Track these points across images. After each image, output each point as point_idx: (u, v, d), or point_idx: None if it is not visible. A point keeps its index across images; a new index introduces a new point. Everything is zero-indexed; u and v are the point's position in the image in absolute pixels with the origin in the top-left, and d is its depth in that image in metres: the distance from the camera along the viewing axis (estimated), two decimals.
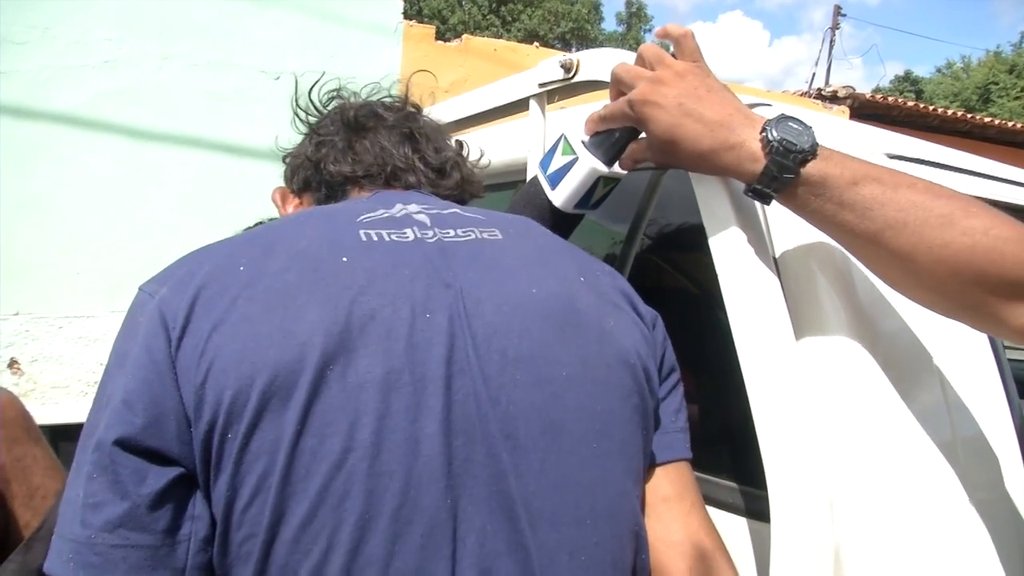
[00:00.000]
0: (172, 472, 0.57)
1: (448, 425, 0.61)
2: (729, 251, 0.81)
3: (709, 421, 1.02)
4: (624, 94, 0.83)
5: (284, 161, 0.97)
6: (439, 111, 1.28)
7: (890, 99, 8.00)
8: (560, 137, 0.90)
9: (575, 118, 0.92)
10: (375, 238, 0.69)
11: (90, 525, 0.56)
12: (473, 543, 0.60)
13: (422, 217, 0.74)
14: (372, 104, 0.93)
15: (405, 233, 0.71)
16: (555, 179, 0.89)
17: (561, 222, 0.90)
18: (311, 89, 0.98)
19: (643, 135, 0.85)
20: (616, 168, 0.89)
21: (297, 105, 0.96)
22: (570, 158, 0.88)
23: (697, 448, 0.80)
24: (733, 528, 0.86)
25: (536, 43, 5.59)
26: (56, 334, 3.43)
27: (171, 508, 0.57)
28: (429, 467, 0.60)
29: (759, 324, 0.78)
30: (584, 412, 0.68)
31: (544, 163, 0.91)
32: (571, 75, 1.05)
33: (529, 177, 0.99)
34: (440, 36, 4.65)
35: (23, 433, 1.25)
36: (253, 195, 3.78)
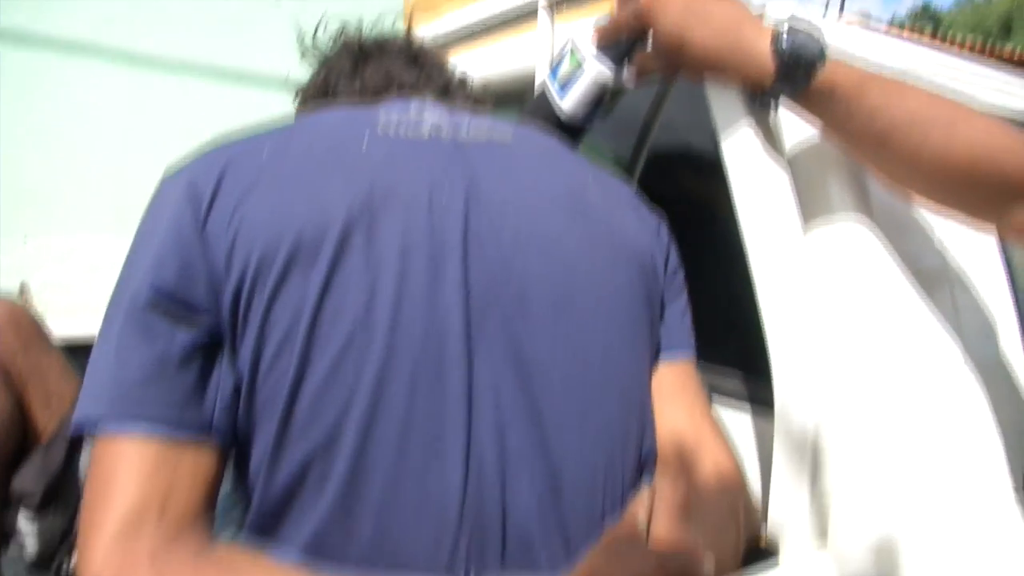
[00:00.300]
0: (201, 330, 0.59)
1: (465, 290, 0.63)
2: (740, 147, 0.82)
3: (717, 314, 1.03)
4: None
5: (296, 98, 1.00)
6: (446, 22, 1.27)
7: (904, 32, 7.80)
8: (567, 45, 0.89)
9: (583, 28, 0.91)
10: (391, 134, 0.72)
11: (123, 369, 0.57)
12: (488, 401, 0.62)
13: (436, 120, 0.77)
14: (376, 35, 0.96)
15: (421, 131, 0.73)
16: (563, 89, 0.89)
17: (568, 132, 0.90)
18: (316, 28, 1.01)
19: (650, 44, 0.84)
20: (624, 77, 0.88)
21: (304, 43, 1.00)
22: (577, 67, 0.87)
23: (705, 340, 0.82)
24: (737, 417, 0.88)
25: None
26: (65, 260, 3.44)
27: (199, 364, 0.59)
28: (447, 327, 0.62)
29: (768, 218, 0.78)
30: (594, 290, 0.70)
31: (552, 73, 0.91)
32: None
33: (537, 87, 0.98)
34: None
35: (37, 339, 1.28)
36: (256, 121, 3.74)
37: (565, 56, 0.89)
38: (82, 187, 3.41)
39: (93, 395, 0.58)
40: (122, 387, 0.56)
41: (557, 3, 1.11)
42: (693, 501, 0.64)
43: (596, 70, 0.86)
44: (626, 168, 1.27)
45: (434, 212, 0.65)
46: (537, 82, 1.11)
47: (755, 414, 0.90)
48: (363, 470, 0.59)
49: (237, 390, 0.60)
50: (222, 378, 0.60)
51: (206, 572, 0.53)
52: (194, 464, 0.58)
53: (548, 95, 0.90)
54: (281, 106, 3.49)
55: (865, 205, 0.83)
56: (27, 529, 1.26)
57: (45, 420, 1.26)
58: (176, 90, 3.56)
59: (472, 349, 0.63)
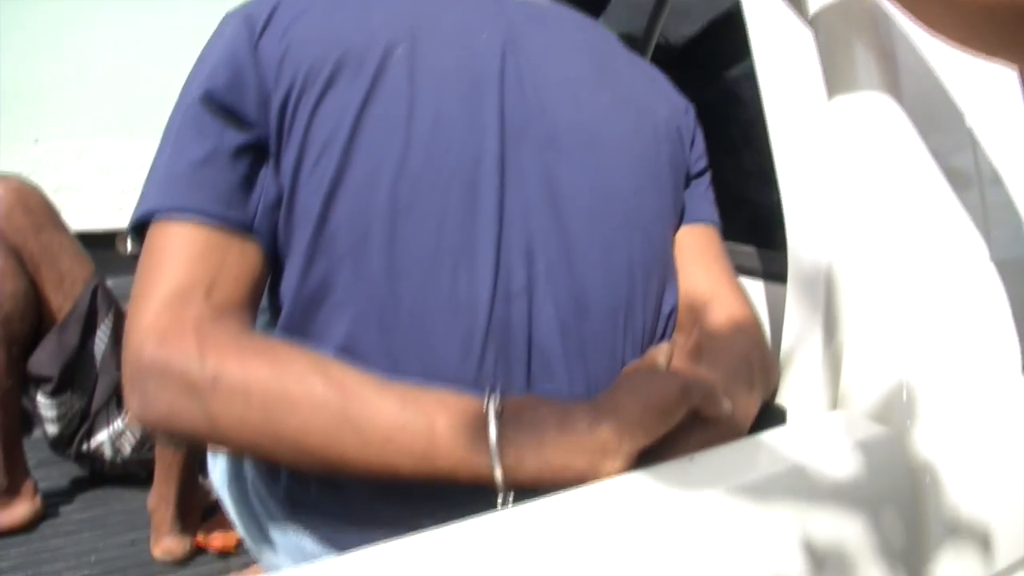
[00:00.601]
0: (250, 135, 0.61)
1: (501, 118, 0.65)
2: (761, 8, 0.77)
3: (734, 190, 1.01)
4: None
5: None
6: None
7: None
8: None
9: None
10: None
11: (177, 163, 0.59)
12: (519, 223, 0.64)
13: None
14: None
15: None
16: None
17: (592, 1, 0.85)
18: None
19: None
20: None
21: None
22: None
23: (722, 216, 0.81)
24: (753, 292, 0.86)
25: None
26: (77, 162, 3.43)
27: (246, 164, 0.61)
28: (483, 148, 0.63)
29: (789, 82, 0.75)
30: (620, 142, 0.71)
31: None
32: None
33: None
34: None
35: (48, 220, 1.27)
36: None
37: None
38: (92, 88, 3.36)
39: (149, 188, 0.60)
40: (175, 177, 0.59)
41: None
42: (708, 347, 0.65)
43: None
44: (639, 45, 1.23)
45: (475, 45, 0.67)
46: None
47: (770, 288, 0.88)
48: (395, 275, 0.60)
49: (278, 199, 0.62)
50: (266, 184, 0.61)
51: (246, 347, 0.54)
52: (240, 255, 0.59)
53: None
54: None
55: (895, 86, 0.79)
56: (46, 411, 1.29)
57: (59, 301, 1.26)
58: None
59: (505, 172, 0.64)
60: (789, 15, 0.77)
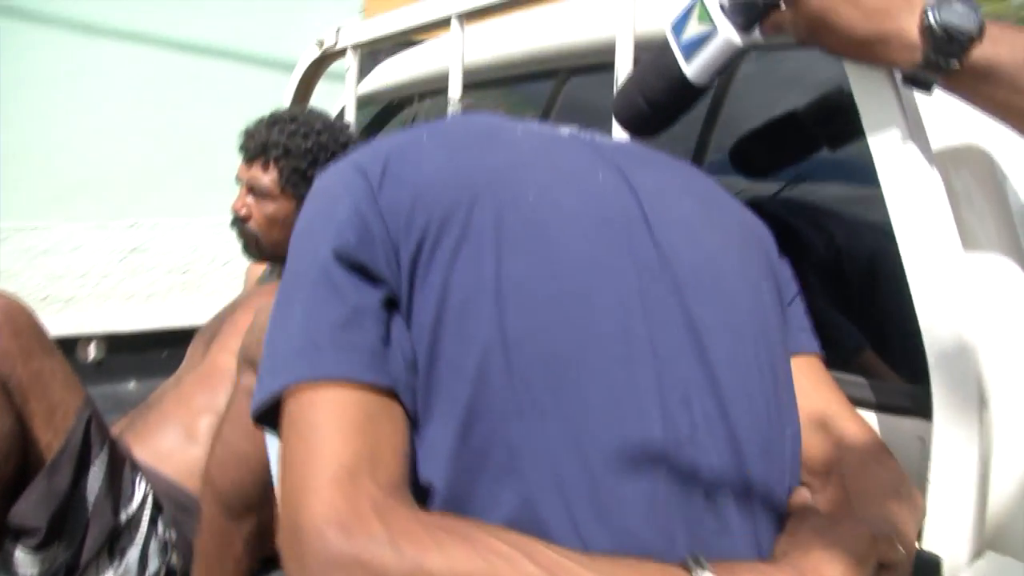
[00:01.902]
0: (384, 290, 0.59)
1: (635, 259, 0.65)
2: (892, 149, 0.75)
3: (866, 324, 0.97)
4: None
5: None
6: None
7: None
8: (694, 2, 0.80)
9: None
10: (535, 129, 0.75)
11: (316, 327, 0.56)
12: (670, 363, 0.62)
13: (566, 127, 0.80)
14: None
15: (559, 131, 0.77)
16: (689, 49, 0.80)
17: (687, 97, 0.82)
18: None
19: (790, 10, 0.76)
20: (754, 35, 0.80)
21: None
22: (708, 28, 0.78)
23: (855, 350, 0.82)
24: (893, 426, 0.83)
25: None
26: (1, 246, 3.18)
27: (384, 322, 0.58)
28: (626, 289, 0.63)
29: (925, 231, 0.73)
30: (737, 276, 0.71)
31: (675, 29, 0.81)
32: None
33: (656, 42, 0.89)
34: None
35: (37, 344, 1.10)
36: (212, 95, 3.53)
37: (692, 12, 0.80)
38: (19, 167, 3.09)
39: (285, 356, 0.57)
40: (317, 342, 0.56)
41: None
42: (857, 487, 0.66)
43: (729, 34, 0.77)
44: (695, 148, 1.18)
45: (595, 186, 0.68)
46: (619, 53, 1.04)
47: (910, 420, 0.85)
48: (569, 431, 0.57)
49: (414, 356, 0.59)
50: (402, 342, 0.58)
51: (436, 530, 0.50)
52: (392, 422, 0.56)
53: (671, 56, 0.81)
54: (236, 81, 3.32)
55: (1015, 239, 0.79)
56: (26, 568, 1.09)
57: (48, 438, 1.09)
58: (125, 60, 3.29)
59: (651, 317, 0.63)
60: (919, 159, 0.75)
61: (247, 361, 1.03)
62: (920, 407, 0.78)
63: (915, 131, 0.74)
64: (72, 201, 3.27)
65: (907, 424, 0.81)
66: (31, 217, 3.22)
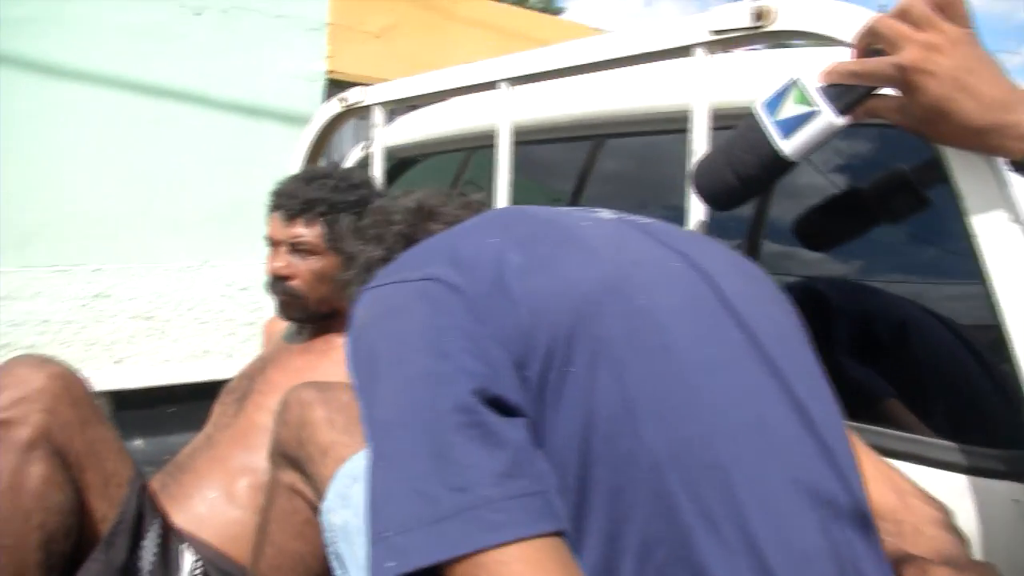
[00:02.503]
0: (523, 420, 0.56)
1: (732, 346, 0.65)
2: (1000, 241, 0.77)
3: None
4: (876, 51, 0.77)
5: (346, 292, 0.99)
6: (589, 47, 1.19)
7: None
8: (792, 83, 0.83)
9: (806, 64, 0.86)
10: (589, 215, 0.75)
11: (475, 487, 0.52)
12: (797, 445, 0.62)
13: (598, 211, 0.80)
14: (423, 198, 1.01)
15: (599, 215, 0.76)
16: (786, 128, 0.83)
17: (778, 171, 0.85)
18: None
19: (890, 92, 0.80)
20: (844, 121, 0.84)
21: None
22: (807, 109, 0.82)
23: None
24: (987, 489, 0.86)
25: None
26: None
27: (535, 455, 0.56)
28: (746, 380, 0.64)
29: None
30: (803, 348, 0.73)
31: (769, 107, 0.85)
32: (762, 24, 0.98)
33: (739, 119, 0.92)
34: None
35: (92, 412, 1.07)
36: (174, 139, 3.48)
37: (788, 92, 0.83)
38: None
39: (441, 521, 0.52)
40: (491, 497, 0.52)
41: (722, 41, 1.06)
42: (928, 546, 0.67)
43: (832, 117, 0.81)
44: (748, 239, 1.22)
45: (678, 276, 0.69)
46: (694, 119, 1.07)
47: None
48: (747, 540, 0.56)
49: (556, 484, 0.57)
50: (548, 468, 0.57)
51: None
52: (570, 557, 0.54)
53: (763, 130, 0.84)
54: (201, 125, 3.28)
55: None
56: None
57: (104, 509, 1.06)
58: (87, 102, 3.21)
59: (768, 401, 0.64)
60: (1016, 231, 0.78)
61: (282, 456, 1.02)
62: (1015, 471, 0.81)
63: (1018, 215, 0.77)
64: (32, 246, 3.16)
65: (1001, 487, 0.83)
66: None
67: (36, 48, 3.18)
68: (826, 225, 1.05)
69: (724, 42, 1.04)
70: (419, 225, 0.94)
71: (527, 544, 0.51)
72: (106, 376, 1.05)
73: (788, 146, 0.83)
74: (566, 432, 0.56)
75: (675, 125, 1.09)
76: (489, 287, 0.60)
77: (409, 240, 0.91)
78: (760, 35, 1.00)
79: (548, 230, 0.70)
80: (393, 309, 0.62)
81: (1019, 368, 0.75)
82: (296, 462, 0.99)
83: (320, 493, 0.95)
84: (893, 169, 0.98)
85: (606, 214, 0.77)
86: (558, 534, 0.53)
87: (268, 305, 1.48)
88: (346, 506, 0.89)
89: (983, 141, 0.74)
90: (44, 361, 1.06)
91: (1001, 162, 0.77)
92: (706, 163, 0.90)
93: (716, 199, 0.90)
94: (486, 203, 0.96)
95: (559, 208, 0.78)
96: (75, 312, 3.27)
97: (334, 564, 0.91)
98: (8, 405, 0.99)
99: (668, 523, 0.55)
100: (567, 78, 1.31)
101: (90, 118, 3.29)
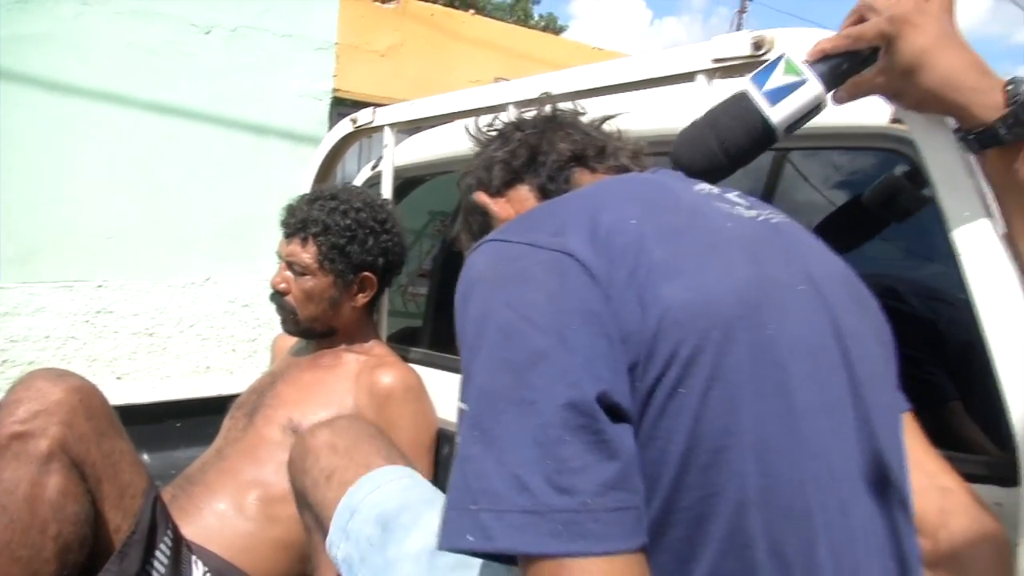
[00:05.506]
0: (631, 427, 0.55)
1: (838, 395, 0.65)
2: (971, 233, 0.82)
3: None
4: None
5: (461, 181, 0.97)
6: (593, 72, 1.22)
7: None
8: (780, 57, 0.86)
9: (794, 42, 0.91)
10: (731, 211, 0.72)
11: (579, 493, 0.51)
12: (867, 496, 0.64)
13: (731, 196, 0.77)
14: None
15: (737, 209, 0.74)
16: (774, 98, 0.85)
17: (763, 142, 0.86)
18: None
19: (874, 66, 0.84)
20: (832, 96, 0.87)
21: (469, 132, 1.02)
22: (795, 79, 0.84)
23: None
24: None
25: (471, 10, 5.47)
26: None
27: (637, 467, 0.54)
28: (843, 436, 0.63)
29: (1006, 301, 0.80)
30: (885, 377, 0.74)
31: (758, 79, 0.86)
32: (761, 52, 1.01)
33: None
34: None
35: (109, 425, 1.10)
36: (182, 157, 3.50)
37: (777, 65, 0.86)
38: None
39: (536, 516, 0.51)
40: (591, 516, 0.51)
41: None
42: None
43: (819, 87, 0.84)
44: None
45: (804, 307, 0.66)
46: None
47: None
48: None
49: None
50: (639, 479, 0.55)
51: None
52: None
53: (751, 101, 0.86)
54: (210, 140, 3.31)
55: None
56: None
57: (118, 521, 1.08)
58: (96, 120, 3.24)
59: (854, 459, 0.65)
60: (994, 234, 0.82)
61: (296, 494, 1.04)
62: (999, 475, 0.83)
63: (985, 204, 0.82)
64: (35, 261, 3.19)
65: (984, 491, 0.86)
66: None
67: (46, 64, 3.21)
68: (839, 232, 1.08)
69: (725, 69, 1.07)
70: (545, 135, 0.90)
71: (614, 558, 0.51)
72: (107, 392, 1.08)
73: (775, 114, 0.84)
74: (662, 451, 0.55)
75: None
76: (625, 279, 0.57)
77: (533, 149, 0.89)
78: (759, 63, 1.03)
79: (693, 225, 0.67)
80: (519, 274, 0.59)
81: (997, 371, 0.78)
82: (302, 494, 1.01)
83: (324, 521, 0.96)
84: (888, 176, 1.02)
85: (742, 207, 0.75)
86: (642, 550, 0.53)
87: (269, 322, 1.52)
88: (347, 539, 0.92)
89: (954, 99, 0.78)
90: (62, 375, 1.08)
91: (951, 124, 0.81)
92: (688, 132, 0.89)
93: (695, 169, 0.87)
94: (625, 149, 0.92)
95: (698, 190, 0.75)
96: (77, 328, 3.29)
97: None
98: (27, 418, 1.01)
99: (740, 561, 0.55)
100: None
101: (97, 134, 3.32)
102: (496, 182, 0.91)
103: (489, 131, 0.98)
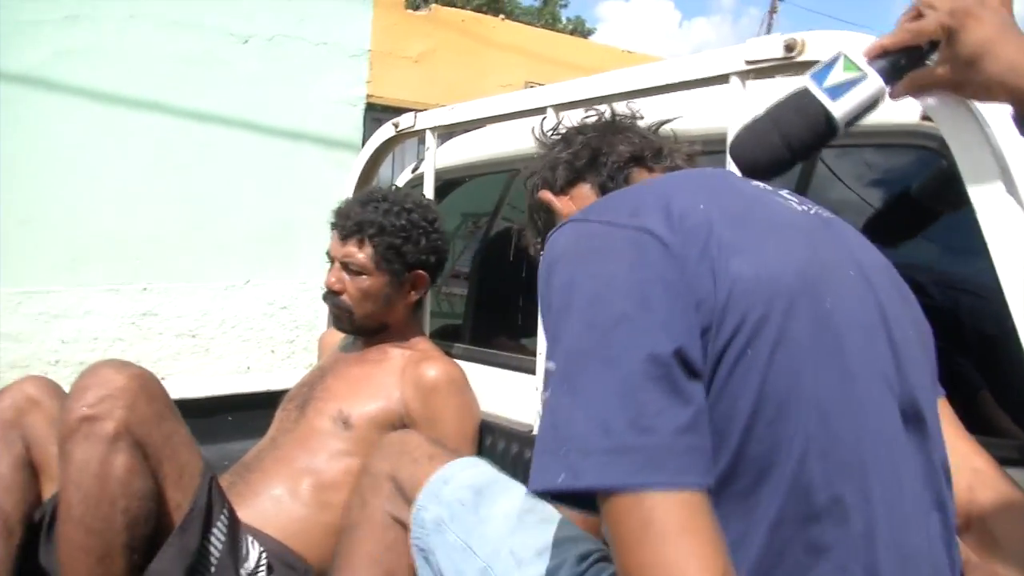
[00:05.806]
0: (704, 384, 0.59)
1: (883, 363, 0.68)
2: (1001, 227, 0.86)
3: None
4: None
5: (527, 181, 1.04)
6: (632, 75, 1.27)
7: None
8: (838, 55, 0.88)
9: (850, 41, 0.94)
10: (785, 203, 0.77)
11: (659, 432, 0.55)
12: (917, 464, 0.68)
13: (783, 192, 0.81)
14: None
15: (790, 203, 0.78)
16: (835, 93, 0.87)
17: (825, 136, 0.87)
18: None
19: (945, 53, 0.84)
20: (891, 92, 0.89)
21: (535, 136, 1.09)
22: (855, 75, 0.85)
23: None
24: None
25: (501, 16, 5.54)
26: (15, 310, 3.18)
27: (707, 418, 0.59)
28: (888, 398, 0.67)
29: None
30: (926, 364, 0.76)
31: (817, 78, 0.88)
32: (794, 55, 1.05)
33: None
34: (410, 5, 4.56)
35: (167, 409, 1.16)
36: (222, 163, 3.60)
37: (836, 63, 0.88)
38: (34, 232, 3.13)
39: (616, 455, 0.55)
40: (669, 453, 0.55)
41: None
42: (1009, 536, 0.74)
43: (879, 81, 0.86)
44: None
45: (855, 288, 0.70)
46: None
47: None
48: (871, 531, 0.61)
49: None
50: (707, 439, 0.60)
51: None
52: (716, 520, 0.56)
53: (813, 96, 0.88)
54: (249, 147, 3.38)
55: None
56: None
57: (178, 499, 1.14)
58: (139, 128, 3.34)
59: (897, 422, 0.68)
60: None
61: (391, 479, 1.08)
62: None
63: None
64: (84, 266, 3.29)
65: (1017, 474, 0.88)
66: (44, 282, 3.23)
67: (92, 76, 3.32)
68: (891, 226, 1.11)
69: (757, 71, 1.11)
70: (606, 137, 0.97)
71: (690, 494, 0.55)
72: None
73: (838, 109, 0.85)
74: (732, 407, 0.59)
75: (713, 147, 1.16)
76: (698, 255, 0.62)
77: (594, 151, 0.96)
78: (791, 65, 1.07)
79: (756, 211, 0.72)
80: (601, 249, 0.64)
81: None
82: (394, 472, 1.08)
83: (410, 491, 1.04)
84: (939, 168, 1.05)
85: (794, 202, 0.79)
86: (708, 492, 0.57)
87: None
88: (438, 503, 1.01)
89: (1017, 85, 0.79)
90: (124, 364, 1.15)
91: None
92: (749, 128, 0.91)
93: (758, 165, 0.89)
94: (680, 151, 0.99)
95: (756, 185, 0.80)
96: (124, 330, 3.39)
97: (418, 559, 1.01)
98: (95, 402, 1.08)
99: (804, 505, 0.59)
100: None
101: (139, 143, 3.43)
102: (560, 181, 0.98)
103: (553, 135, 1.05)
